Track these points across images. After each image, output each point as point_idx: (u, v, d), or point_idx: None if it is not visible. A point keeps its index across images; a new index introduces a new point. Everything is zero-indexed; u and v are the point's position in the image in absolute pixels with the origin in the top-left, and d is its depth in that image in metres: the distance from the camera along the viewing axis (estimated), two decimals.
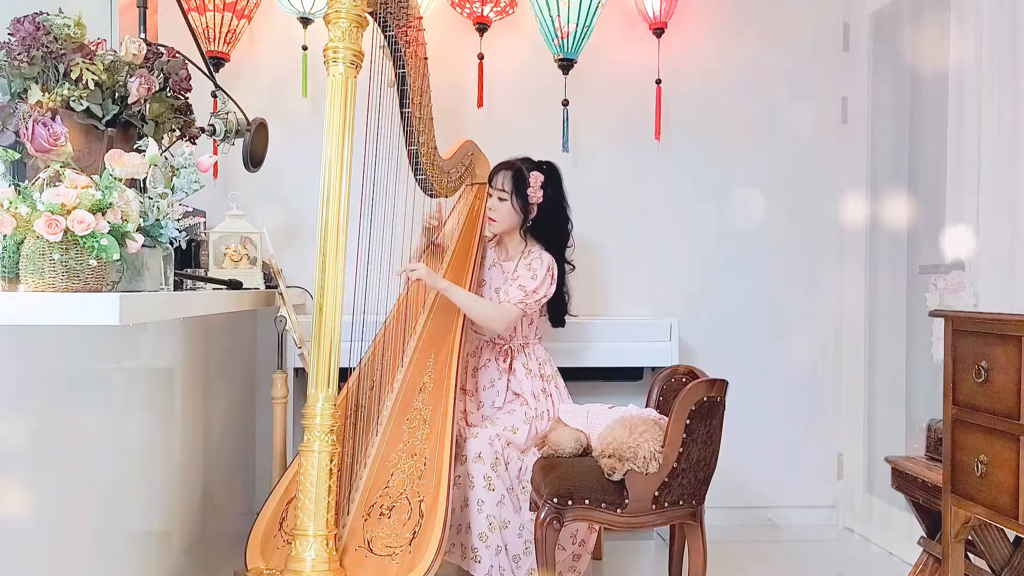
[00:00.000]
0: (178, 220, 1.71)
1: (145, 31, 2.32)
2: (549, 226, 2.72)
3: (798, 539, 3.37)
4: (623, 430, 2.28)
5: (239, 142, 2.22)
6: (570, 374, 2.93)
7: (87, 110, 1.71)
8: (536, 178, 2.68)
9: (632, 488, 2.23)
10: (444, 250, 2.78)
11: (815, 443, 3.53)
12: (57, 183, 1.46)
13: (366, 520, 2.12)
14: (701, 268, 3.51)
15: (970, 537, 2.09)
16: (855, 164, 3.43)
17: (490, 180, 2.75)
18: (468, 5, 3.25)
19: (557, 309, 2.79)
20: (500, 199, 2.71)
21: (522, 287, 2.61)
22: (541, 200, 2.69)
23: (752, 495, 3.49)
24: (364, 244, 2.24)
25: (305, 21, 3.19)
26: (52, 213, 1.39)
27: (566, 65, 3.29)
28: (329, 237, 1.97)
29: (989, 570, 2.15)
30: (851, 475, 3.45)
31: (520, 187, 2.68)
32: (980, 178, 2.59)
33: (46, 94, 1.69)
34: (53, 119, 1.62)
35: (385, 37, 2.27)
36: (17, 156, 1.64)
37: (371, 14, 2.11)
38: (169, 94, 1.86)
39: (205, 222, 2.62)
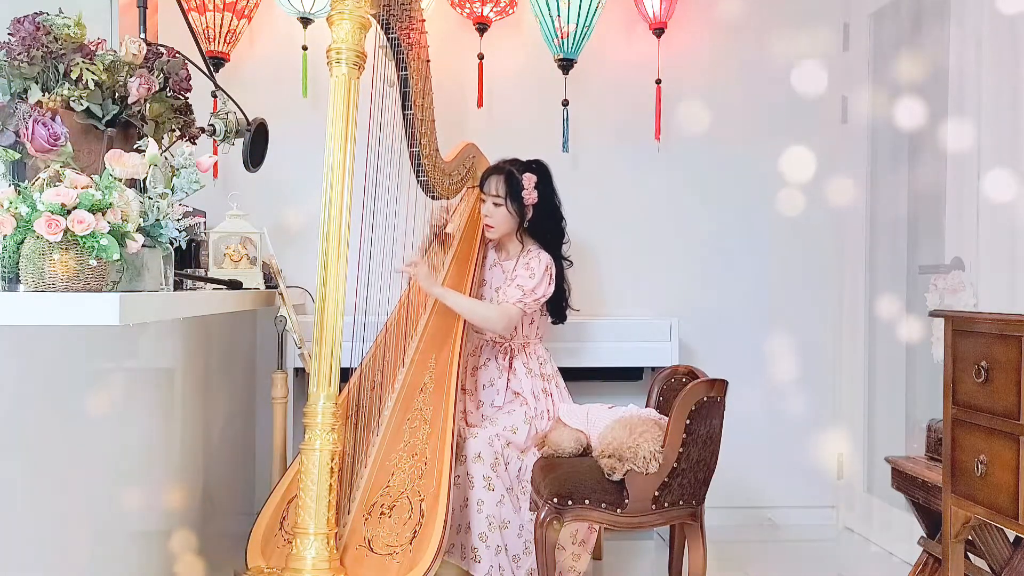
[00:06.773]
0: (178, 220, 1.71)
1: (145, 31, 2.31)
2: (544, 224, 2.72)
3: (798, 539, 3.37)
4: (623, 430, 2.28)
5: (239, 142, 2.21)
6: (570, 374, 2.93)
7: (87, 110, 1.71)
8: (529, 179, 2.68)
9: (632, 488, 2.23)
10: (452, 240, 2.77)
11: (815, 443, 3.53)
12: (57, 183, 1.46)
13: (367, 519, 2.12)
14: (701, 268, 3.51)
15: (970, 537, 2.08)
16: (855, 164, 3.43)
17: (481, 186, 2.74)
18: (468, 5, 3.25)
19: (558, 305, 2.78)
20: (495, 204, 2.70)
21: (520, 287, 2.61)
22: (536, 200, 2.69)
23: (752, 495, 3.49)
24: (366, 245, 2.24)
25: (305, 21, 3.19)
26: (52, 213, 1.39)
27: (566, 65, 3.29)
28: (331, 237, 1.97)
29: (989, 570, 2.15)
30: (851, 475, 3.45)
31: (514, 190, 2.68)
32: (980, 178, 2.59)
33: (46, 94, 1.69)
34: (53, 119, 1.61)
35: (388, 39, 2.27)
36: (17, 156, 1.64)
37: (374, 16, 2.10)
38: (169, 94, 1.86)
39: (205, 222, 2.62)
